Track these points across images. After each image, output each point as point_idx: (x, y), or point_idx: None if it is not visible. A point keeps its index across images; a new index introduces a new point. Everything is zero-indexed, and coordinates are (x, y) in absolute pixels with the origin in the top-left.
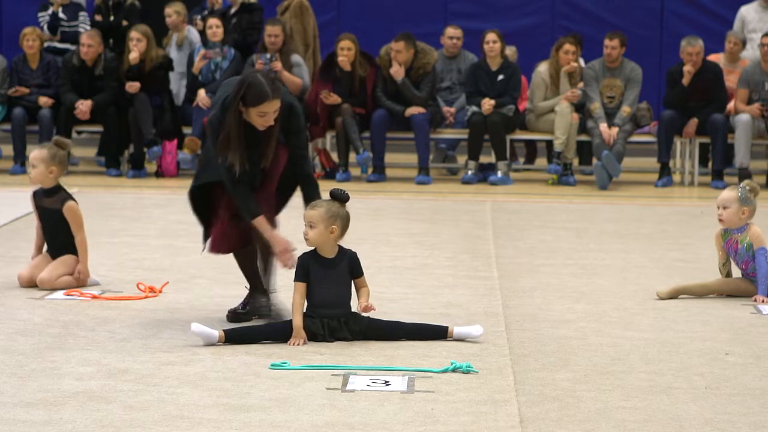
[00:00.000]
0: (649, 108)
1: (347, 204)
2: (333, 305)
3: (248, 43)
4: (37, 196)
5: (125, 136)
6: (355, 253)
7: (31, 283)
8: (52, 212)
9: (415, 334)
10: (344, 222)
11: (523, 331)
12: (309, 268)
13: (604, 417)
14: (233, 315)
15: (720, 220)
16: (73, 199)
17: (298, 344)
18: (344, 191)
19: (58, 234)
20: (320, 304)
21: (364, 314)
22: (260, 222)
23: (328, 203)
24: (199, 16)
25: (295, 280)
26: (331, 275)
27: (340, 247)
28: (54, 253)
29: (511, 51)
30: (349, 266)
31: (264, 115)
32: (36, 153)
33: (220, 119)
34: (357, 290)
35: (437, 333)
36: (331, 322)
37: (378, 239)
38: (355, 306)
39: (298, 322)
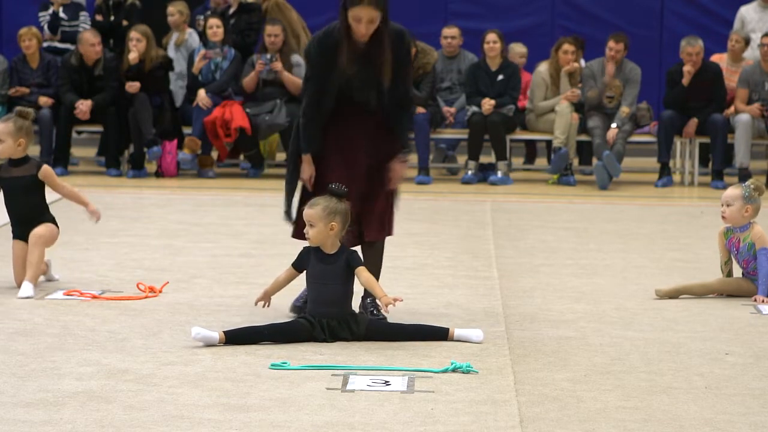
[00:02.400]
0: (649, 108)
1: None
2: (330, 303)
3: (247, 44)
4: (2, 168)
5: (125, 136)
6: (354, 250)
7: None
8: (25, 179)
9: (416, 336)
10: (343, 217)
11: (523, 331)
12: (308, 261)
13: (604, 417)
14: (294, 308)
15: (723, 217)
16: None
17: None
18: (342, 186)
19: (28, 202)
20: (317, 300)
21: (386, 311)
22: (307, 159)
23: (325, 200)
24: (201, 17)
25: (291, 264)
26: (329, 271)
27: (342, 245)
28: (23, 229)
29: (520, 49)
30: (346, 262)
31: (359, 21)
32: (1, 128)
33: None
34: (363, 283)
35: (438, 334)
36: (331, 322)
37: None
38: (356, 306)
39: (267, 288)
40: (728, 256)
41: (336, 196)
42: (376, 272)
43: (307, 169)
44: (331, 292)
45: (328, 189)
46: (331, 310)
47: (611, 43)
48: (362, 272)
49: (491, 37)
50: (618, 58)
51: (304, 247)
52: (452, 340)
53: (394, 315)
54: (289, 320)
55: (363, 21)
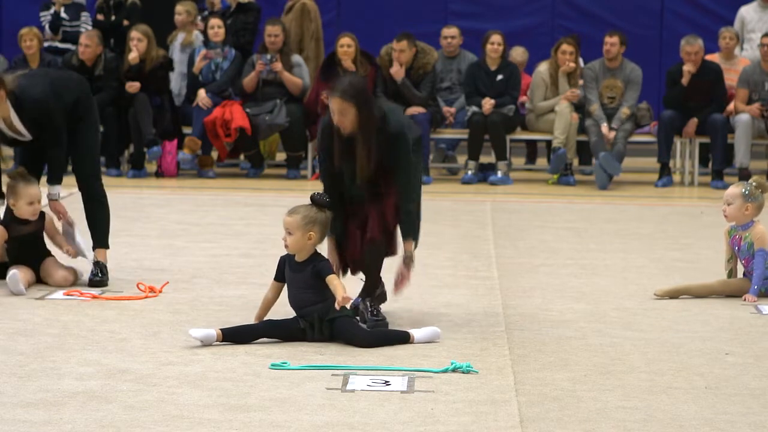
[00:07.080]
0: (649, 108)
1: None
2: (302, 305)
3: (241, 44)
4: (12, 228)
5: (125, 136)
6: (325, 260)
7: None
8: (32, 235)
9: (380, 341)
10: (322, 227)
11: (523, 331)
12: (284, 269)
13: (604, 417)
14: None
15: (724, 216)
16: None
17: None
18: (324, 196)
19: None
20: (293, 304)
21: (343, 306)
22: (330, 241)
23: (305, 209)
24: (199, 17)
25: (273, 278)
26: (297, 278)
27: (315, 253)
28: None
29: (521, 50)
30: (315, 271)
31: (333, 112)
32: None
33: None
34: (332, 289)
35: (400, 338)
36: (312, 321)
37: None
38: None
39: (258, 312)
40: (731, 253)
41: (318, 205)
42: (371, 270)
43: (330, 256)
44: (302, 299)
45: (311, 197)
46: (307, 311)
47: (606, 38)
48: (332, 280)
49: (496, 38)
50: (614, 52)
51: (281, 257)
52: (413, 343)
53: (394, 315)
54: (284, 318)
55: (335, 112)
